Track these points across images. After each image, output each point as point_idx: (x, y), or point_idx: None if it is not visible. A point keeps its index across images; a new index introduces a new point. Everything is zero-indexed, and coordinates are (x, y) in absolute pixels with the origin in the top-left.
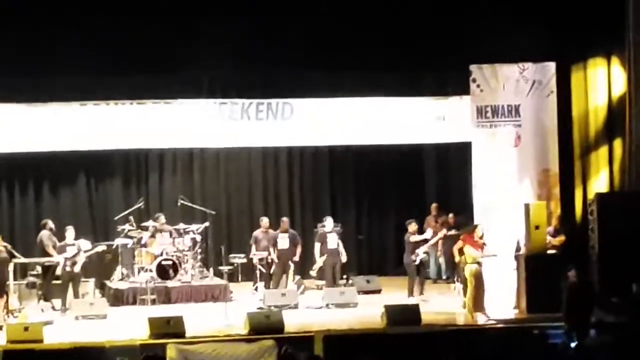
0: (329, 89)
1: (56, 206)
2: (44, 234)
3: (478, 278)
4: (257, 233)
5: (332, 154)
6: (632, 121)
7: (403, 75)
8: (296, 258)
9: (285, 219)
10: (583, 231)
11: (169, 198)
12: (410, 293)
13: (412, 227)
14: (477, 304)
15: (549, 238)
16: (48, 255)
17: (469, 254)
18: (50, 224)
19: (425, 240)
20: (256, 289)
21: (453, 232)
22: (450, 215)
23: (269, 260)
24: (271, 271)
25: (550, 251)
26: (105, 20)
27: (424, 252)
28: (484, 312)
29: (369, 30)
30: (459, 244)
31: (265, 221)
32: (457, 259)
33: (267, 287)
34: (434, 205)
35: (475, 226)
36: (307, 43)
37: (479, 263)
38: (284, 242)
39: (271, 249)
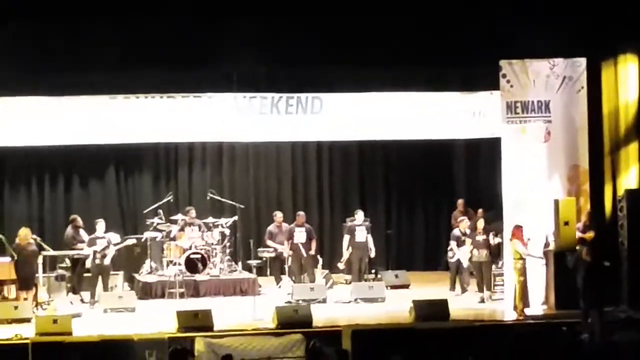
0: (358, 84)
1: (86, 199)
2: (68, 233)
3: (524, 274)
4: (272, 228)
5: (362, 148)
6: None
7: (433, 71)
8: (311, 252)
9: (301, 213)
10: (613, 227)
11: (198, 192)
12: (452, 288)
13: (463, 224)
14: (525, 299)
15: (578, 234)
16: (75, 250)
17: (517, 249)
18: (79, 220)
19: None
20: (280, 285)
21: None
22: (480, 210)
23: (285, 255)
24: (287, 265)
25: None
26: (136, 14)
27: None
28: (526, 309)
29: (399, 25)
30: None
31: (279, 216)
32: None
33: (278, 281)
34: (460, 201)
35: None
36: (338, 38)
37: (524, 259)
38: (300, 235)
39: (286, 243)
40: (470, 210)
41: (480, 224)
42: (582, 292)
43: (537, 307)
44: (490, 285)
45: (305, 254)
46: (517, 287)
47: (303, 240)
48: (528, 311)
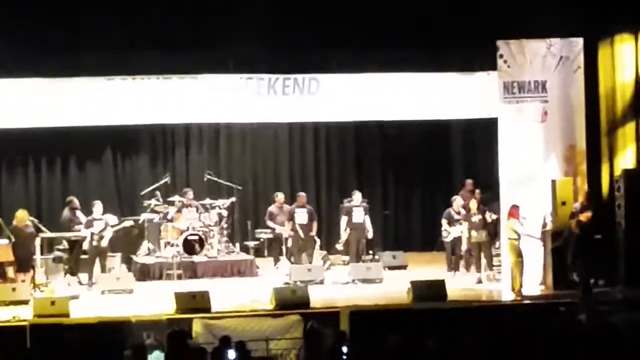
0: (355, 65)
1: (83, 181)
2: (65, 215)
3: (520, 253)
4: (272, 208)
5: (359, 129)
6: None
7: (430, 51)
8: (312, 233)
9: (302, 194)
10: (610, 207)
11: (195, 173)
12: (449, 268)
13: (456, 203)
14: (520, 279)
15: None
16: (72, 229)
17: (514, 228)
18: (75, 202)
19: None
20: (278, 266)
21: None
22: (477, 191)
23: (286, 235)
24: (288, 245)
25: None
26: None
27: (460, 232)
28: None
29: (396, 5)
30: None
31: (280, 196)
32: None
33: (290, 262)
34: (469, 180)
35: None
36: (334, 18)
37: (519, 239)
38: (302, 216)
39: (286, 224)
40: (476, 190)
41: (473, 204)
42: (571, 266)
43: (535, 287)
44: (491, 266)
45: (305, 235)
46: (514, 268)
47: (304, 221)
48: (525, 291)
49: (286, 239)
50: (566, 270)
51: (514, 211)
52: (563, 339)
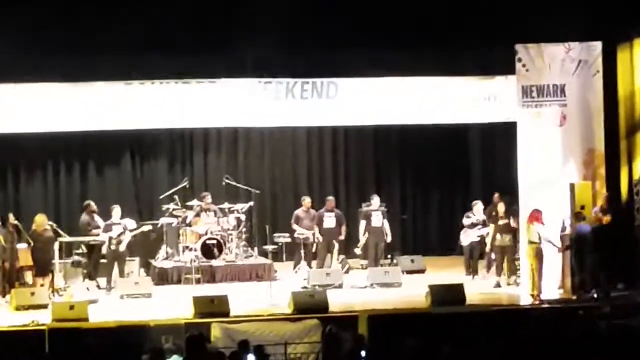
0: (374, 69)
1: (101, 185)
2: (83, 219)
3: (542, 258)
4: (299, 212)
5: (377, 133)
6: None
7: (448, 55)
8: (341, 237)
9: (331, 198)
10: (629, 211)
11: (213, 177)
12: (467, 272)
13: (477, 208)
14: (539, 284)
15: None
16: (90, 236)
17: (539, 232)
18: (93, 205)
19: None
20: (298, 269)
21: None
22: (496, 195)
23: (312, 240)
24: (314, 250)
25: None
26: None
27: (478, 237)
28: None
29: (414, 9)
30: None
31: (307, 200)
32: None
33: (309, 266)
34: (496, 195)
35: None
36: (352, 22)
37: (540, 244)
38: (330, 221)
39: (315, 228)
40: (496, 194)
41: (501, 207)
42: (590, 271)
43: (553, 291)
44: (514, 270)
45: (334, 239)
46: (535, 272)
47: (332, 225)
48: (544, 296)
49: (306, 244)
50: (585, 274)
51: (537, 215)
52: (582, 343)
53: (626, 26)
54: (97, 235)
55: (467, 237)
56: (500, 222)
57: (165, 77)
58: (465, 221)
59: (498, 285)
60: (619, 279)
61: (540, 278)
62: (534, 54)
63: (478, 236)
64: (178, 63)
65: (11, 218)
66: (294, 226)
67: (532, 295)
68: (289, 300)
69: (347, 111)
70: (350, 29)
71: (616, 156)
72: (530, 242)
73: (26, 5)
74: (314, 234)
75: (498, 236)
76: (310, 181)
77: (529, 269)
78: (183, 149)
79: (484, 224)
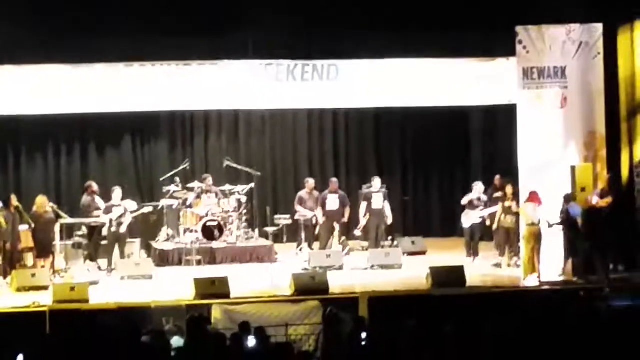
0: (375, 51)
1: (102, 167)
2: (85, 200)
3: (539, 240)
4: (302, 194)
5: (378, 115)
6: None
7: (449, 37)
8: (345, 219)
9: (334, 180)
10: (630, 193)
11: (214, 159)
12: (468, 254)
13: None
14: (535, 265)
15: (596, 199)
16: (92, 215)
17: (531, 214)
18: (94, 186)
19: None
20: (300, 250)
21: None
22: (497, 177)
23: (315, 221)
24: (316, 232)
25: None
26: None
27: (479, 217)
28: (539, 274)
29: None
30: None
31: (311, 182)
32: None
33: (311, 247)
34: (497, 177)
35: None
36: (353, 4)
37: (537, 226)
38: (333, 202)
39: (318, 210)
40: (497, 176)
41: (509, 189)
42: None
43: (554, 273)
44: (517, 252)
45: (336, 221)
46: (530, 251)
47: (336, 207)
48: (545, 278)
49: (307, 226)
50: (586, 256)
51: (533, 196)
52: (583, 325)
53: (627, 8)
54: (99, 216)
55: (468, 219)
56: (507, 203)
57: (166, 59)
58: (464, 201)
59: (498, 265)
60: (619, 262)
61: (539, 260)
62: (534, 35)
63: (479, 217)
64: (179, 45)
65: (13, 200)
66: (297, 207)
67: (525, 277)
68: (289, 282)
69: (348, 93)
70: (351, 10)
71: (617, 138)
72: (528, 225)
73: None
74: (315, 216)
75: (503, 217)
76: (311, 163)
77: (526, 251)
78: (184, 131)
79: (485, 205)
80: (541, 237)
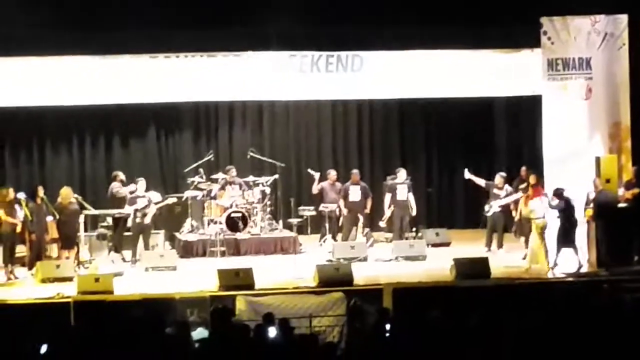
0: (399, 42)
1: (126, 158)
2: (114, 185)
3: (543, 234)
4: (325, 185)
5: (402, 106)
6: None
7: (474, 28)
8: (367, 210)
9: (355, 171)
10: None
11: (238, 150)
12: (487, 245)
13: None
14: (547, 260)
15: (621, 191)
16: (119, 205)
17: (539, 208)
18: (121, 175)
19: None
20: (324, 242)
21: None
22: (523, 168)
23: (338, 213)
24: (340, 223)
25: (621, 204)
26: None
27: (499, 207)
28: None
29: None
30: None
31: (333, 174)
32: (524, 212)
33: (335, 239)
34: (523, 168)
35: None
36: None
37: (542, 219)
38: (355, 194)
39: (341, 201)
40: (522, 168)
41: (533, 179)
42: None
43: (573, 266)
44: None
45: (360, 213)
46: (540, 244)
47: (358, 198)
48: (569, 269)
49: (331, 217)
50: (610, 248)
51: (538, 191)
52: (606, 316)
53: None
54: (128, 203)
55: (490, 209)
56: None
57: (190, 51)
58: (488, 186)
59: (526, 257)
60: None
61: (545, 254)
62: (559, 26)
63: (499, 206)
64: (203, 37)
65: (40, 191)
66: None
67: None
68: (313, 273)
69: (372, 84)
70: (376, 2)
71: None
72: (534, 219)
73: None
74: (339, 207)
75: (524, 206)
76: (335, 154)
77: (536, 242)
78: (208, 122)
79: (507, 195)
80: (546, 227)
